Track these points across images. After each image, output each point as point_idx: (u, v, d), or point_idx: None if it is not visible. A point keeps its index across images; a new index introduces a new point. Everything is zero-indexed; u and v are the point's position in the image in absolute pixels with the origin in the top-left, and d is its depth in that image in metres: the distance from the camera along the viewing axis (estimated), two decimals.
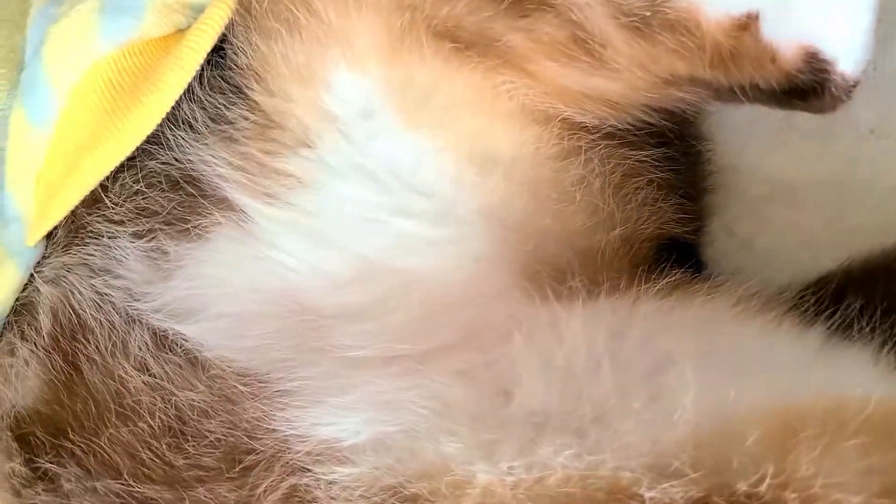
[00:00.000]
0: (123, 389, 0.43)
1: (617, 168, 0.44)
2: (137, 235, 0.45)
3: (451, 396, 0.40)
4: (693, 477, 0.32)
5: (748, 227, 0.52)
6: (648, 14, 0.37)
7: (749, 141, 0.50)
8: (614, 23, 0.38)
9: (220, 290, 0.44)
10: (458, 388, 0.40)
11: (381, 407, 0.41)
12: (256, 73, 0.44)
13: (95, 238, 0.45)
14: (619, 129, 0.44)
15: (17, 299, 0.46)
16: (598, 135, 0.43)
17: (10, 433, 0.46)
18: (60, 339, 0.45)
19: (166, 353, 0.44)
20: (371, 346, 0.43)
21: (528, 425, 0.39)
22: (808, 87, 0.38)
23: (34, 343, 0.45)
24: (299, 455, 0.41)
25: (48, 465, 0.44)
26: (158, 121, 0.43)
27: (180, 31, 0.47)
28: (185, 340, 0.44)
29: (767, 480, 0.31)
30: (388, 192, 0.43)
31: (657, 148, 0.46)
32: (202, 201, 0.45)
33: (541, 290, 0.43)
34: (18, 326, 0.46)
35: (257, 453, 0.41)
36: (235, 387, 0.43)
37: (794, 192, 0.50)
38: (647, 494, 0.33)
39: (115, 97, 0.44)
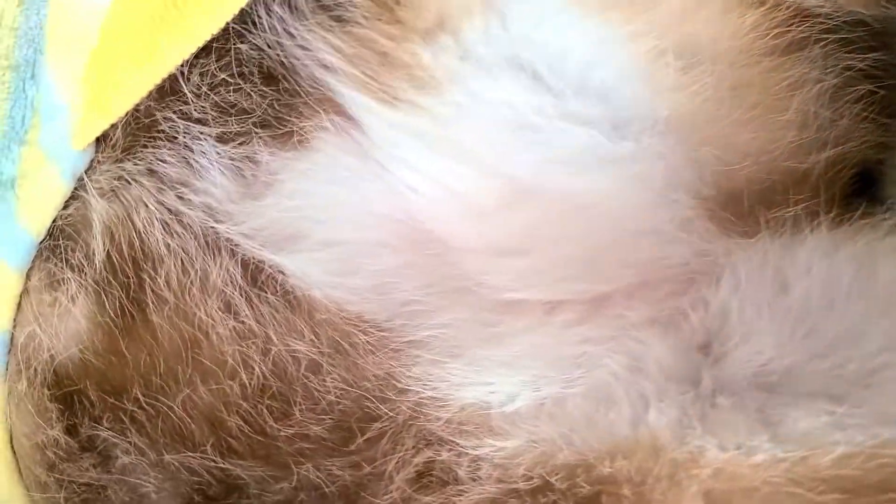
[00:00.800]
0: (203, 337, 0.33)
1: (835, 73, 0.35)
2: (222, 139, 0.34)
3: (648, 351, 0.31)
4: None
5: None
6: None
7: None
8: None
9: (326, 212, 0.34)
10: (656, 341, 0.31)
11: (548, 363, 0.32)
12: None
13: (168, 140, 0.34)
14: (842, 24, 0.35)
15: (59, 217, 0.35)
16: (821, 28, 0.34)
17: (47, 391, 0.35)
18: (119, 269, 0.34)
19: (259, 291, 0.34)
20: (529, 287, 0.33)
21: (756, 387, 0.29)
22: None
23: (83, 274, 0.35)
24: (438, 424, 0.32)
25: (101, 432, 0.34)
26: None
27: None
28: (284, 275, 0.34)
29: None
30: (552, 93, 0.33)
31: (874, 53, 0.37)
32: (305, 99, 0.35)
33: (740, 222, 0.34)
34: (62, 253, 0.35)
35: (382, 421, 0.32)
36: (351, 335, 0.33)
37: None
38: None
39: None
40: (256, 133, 0.34)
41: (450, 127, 0.35)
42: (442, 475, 0.31)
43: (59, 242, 0.35)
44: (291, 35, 0.35)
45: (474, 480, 0.31)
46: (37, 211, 0.34)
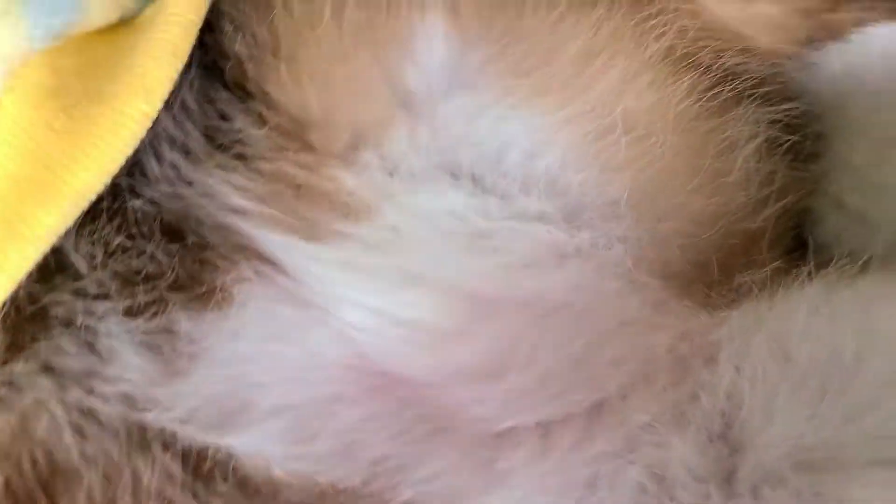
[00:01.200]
0: None
1: (765, 128, 0.34)
2: (130, 313, 0.29)
3: (669, 453, 0.27)
4: None
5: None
6: None
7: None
8: None
9: (269, 374, 0.29)
10: (675, 439, 0.28)
11: (563, 493, 0.28)
12: (278, 55, 0.30)
13: (63, 326, 0.29)
14: (761, 80, 0.34)
15: None
16: (748, 84, 0.33)
17: None
18: (24, 500, 0.28)
19: (208, 484, 0.28)
20: (517, 412, 0.29)
21: (800, 469, 0.27)
22: None
23: None
24: None
25: None
26: (142, 133, 0.29)
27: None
28: (235, 457, 0.28)
29: None
30: (496, 193, 0.31)
31: (790, 103, 0.37)
32: (218, 251, 0.30)
33: (716, 293, 0.32)
34: None
35: None
36: None
37: None
38: None
39: (62, 107, 0.29)
40: (170, 299, 0.29)
41: (388, 252, 0.31)
42: None
43: None
44: (189, 183, 0.31)
45: None
46: None
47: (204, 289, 0.30)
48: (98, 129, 0.29)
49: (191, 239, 0.30)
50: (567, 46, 0.30)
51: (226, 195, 0.30)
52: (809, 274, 0.32)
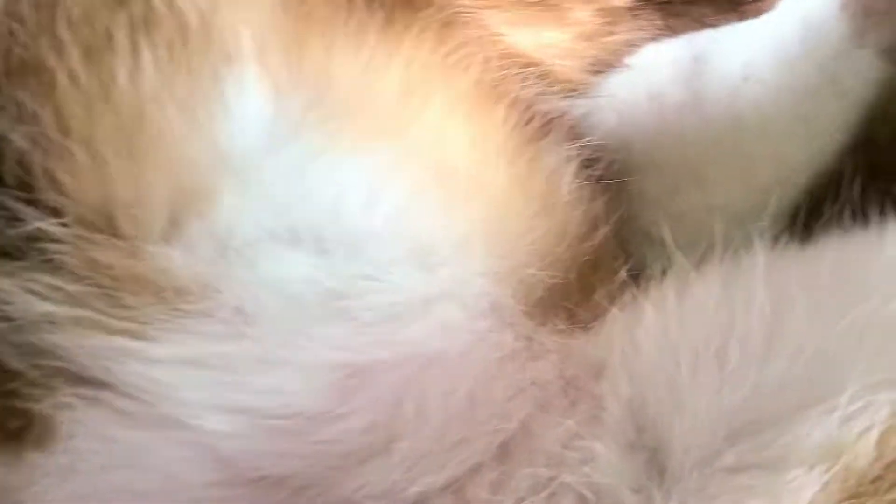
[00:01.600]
0: None
1: (575, 156, 0.35)
2: None
3: (598, 464, 0.25)
4: None
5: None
6: None
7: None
8: None
9: None
10: (600, 448, 0.26)
11: None
12: (69, 135, 0.26)
13: None
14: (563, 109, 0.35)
15: None
16: (552, 114, 0.34)
17: None
18: None
19: None
20: (424, 475, 0.26)
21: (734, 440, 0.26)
22: None
23: None
24: None
25: None
26: None
27: None
28: None
29: None
30: (339, 247, 0.28)
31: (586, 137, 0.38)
32: (26, 378, 0.25)
33: (582, 310, 0.31)
34: None
35: None
36: None
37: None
38: None
39: None
40: None
41: (235, 337, 0.27)
42: None
43: None
44: None
45: None
46: None
47: (17, 424, 0.24)
48: None
49: None
50: (383, 85, 0.29)
51: (28, 304, 0.25)
52: (663, 272, 0.32)
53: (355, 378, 0.27)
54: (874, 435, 0.23)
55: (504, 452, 0.27)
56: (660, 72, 0.41)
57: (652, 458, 0.26)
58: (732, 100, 0.44)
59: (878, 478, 0.22)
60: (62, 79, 0.26)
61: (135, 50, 0.27)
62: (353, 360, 0.28)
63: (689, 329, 0.29)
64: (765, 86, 0.42)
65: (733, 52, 0.42)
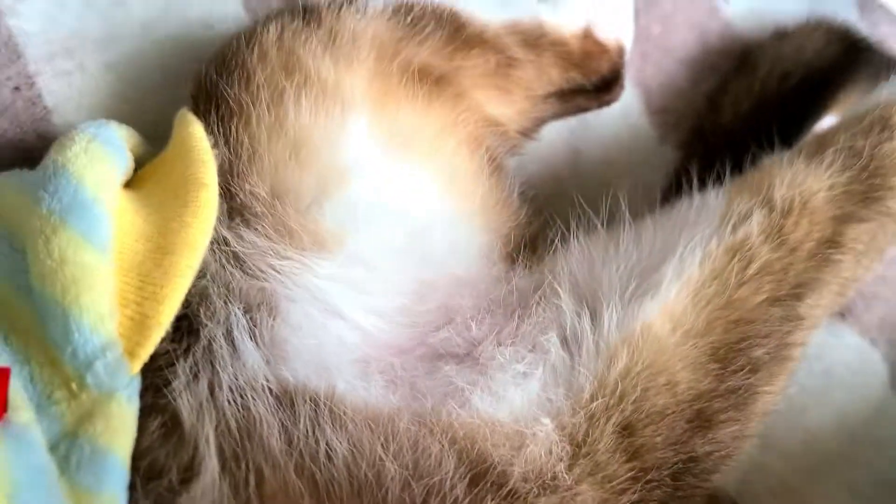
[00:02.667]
0: None
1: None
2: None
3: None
4: None
5: None
6: (538, 38, 0.54)
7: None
8: (522, 46, 0.53)
9: None
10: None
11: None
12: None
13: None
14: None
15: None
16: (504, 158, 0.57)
17: None
18: None
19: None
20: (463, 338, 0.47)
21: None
22: (616, 74, 0.59)
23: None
24: None
25: None
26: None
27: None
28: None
29: None
30: (408, 215, 0.49)
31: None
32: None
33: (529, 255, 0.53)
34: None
35: None
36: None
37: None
38: None
39: (153, 208, 0.42)
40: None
41: (356, 270, 0.47)
42: None
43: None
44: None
45: None
46: (118, 436, 0.35)
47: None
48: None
49: None
50: (426, 130, 0.51)
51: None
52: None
53: (424, 288, 0.48)
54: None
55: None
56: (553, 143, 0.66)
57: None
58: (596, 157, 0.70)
59: None
60: (255, 118, 0.46)
61: (297, 100, 0.47)
62: (425, 279, 0.48)
63: (594, 251, 0.51)
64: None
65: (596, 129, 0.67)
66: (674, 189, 0.67)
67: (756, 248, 0.47)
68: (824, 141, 0.54)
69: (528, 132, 0.61)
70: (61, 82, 0.56)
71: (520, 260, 0.54)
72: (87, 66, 0.56)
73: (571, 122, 0.68)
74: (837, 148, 0.52)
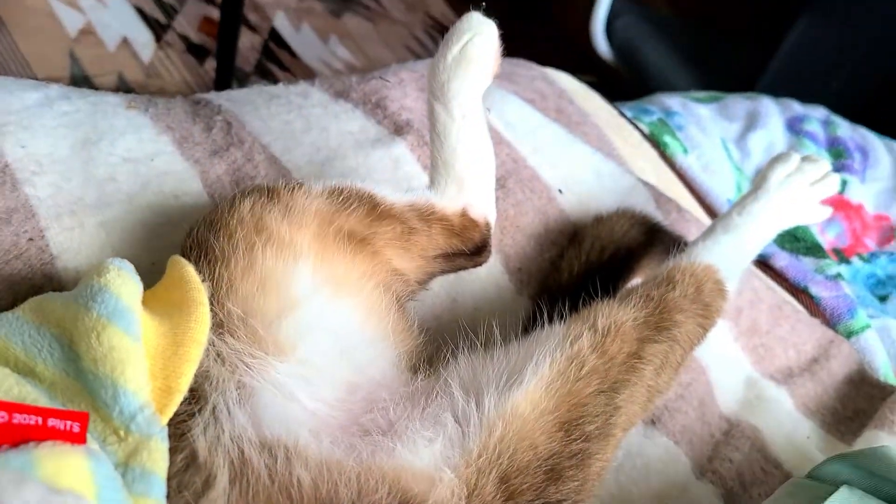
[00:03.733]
0: None
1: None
2: None
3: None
4: None
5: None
6: (429, 214, 0.75)
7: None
8: (418, 219, 0.73)
9: None
10: None
11: None
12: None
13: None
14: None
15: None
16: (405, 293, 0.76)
17: None
18: None
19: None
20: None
21: None
22: (485, 243, 0.80)
23: None
24: None
25: None
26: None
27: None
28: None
29: None
30: (340, 333, 0.66)
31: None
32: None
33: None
34: None
35: None
36: None
37: None
38: None
39: (163, 318, 0.57)
40: None
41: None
42: None
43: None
44: None
45: None
46: (158, 463, 0.51)
47: None
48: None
49: None
50: (353, 267, 0.70)
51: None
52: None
53: (353, 385, 0.64)
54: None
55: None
56: (437, 293, 0.86)
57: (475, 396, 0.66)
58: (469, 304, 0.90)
59: None
60: (233, 262, 0.63)
61: (264, 251, 0.64)
62: (353, 379, 0.65)
63: (475, 360, 0.70)
64: None
65: (469, 283, 0.88)
66: (529, 328, 0.88)
67: (586, 356, 0.68)
68: (630, 291, 0.78)
69: (422, 282, 0.81)
70: (65, 236, 0.72)
71: (421, 369, 0.73)
72: (86, 225, 0.73)
73: (450, 277, 0.89)
74: (639, 294, 0.76)
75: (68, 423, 0.48)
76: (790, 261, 1.24)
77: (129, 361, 0.54)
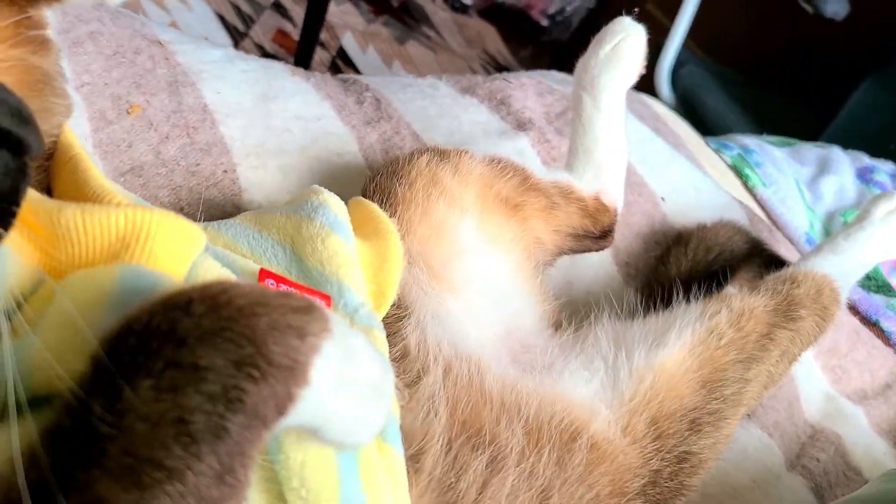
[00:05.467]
0: None
1: None
2: None
3: None
4: None
5: None
6: (569, 193, 0.81)
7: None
8: (560, 196, 0.80)
9: None
10: None
11: None
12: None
13: None
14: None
15: None
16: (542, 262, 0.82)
17: None
18: None
19: None
20: None
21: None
22: (611, 228, 0.86)
23: None
24: None
25: None
26: None
27: None
28: None
29: None
30: (496, 283, 0.72)
31: None
32: None
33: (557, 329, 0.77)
34: None
35: None
36: None
37: None
38: None
39: (361, 240, 0.63)
40: None
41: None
42: None
43: None
44: None
45: None
46: (380, 345, 0.58)
47: None
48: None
49: None
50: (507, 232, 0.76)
51: None
52: None
53: (510, 328, 0.70)
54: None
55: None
56: (554, 275, 0.92)
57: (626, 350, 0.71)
58: (582, 287, 0.96)
59: None
60: (412, 207, 0.69)
61: (437, 201, 0.71)
62: (509, 323, 0.70)
63: (618, 325, 0.76)
64: None
65: (583, 269, 0.94)
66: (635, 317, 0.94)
67: (724, 329, 0.75)
68: (757, 285, 0.84)
69: (553, 256, 0.87)
70: (252, 173, 0.79)
71: (562, 328, 0.78)
72: (268, 166, 0.81)
73: (566, 261, 0.95)
74: (767, 287, 0.82)
75: (317, 299, 0.54)
76: (862, 295, 1.30)
77: (350, 265, 0.60)
